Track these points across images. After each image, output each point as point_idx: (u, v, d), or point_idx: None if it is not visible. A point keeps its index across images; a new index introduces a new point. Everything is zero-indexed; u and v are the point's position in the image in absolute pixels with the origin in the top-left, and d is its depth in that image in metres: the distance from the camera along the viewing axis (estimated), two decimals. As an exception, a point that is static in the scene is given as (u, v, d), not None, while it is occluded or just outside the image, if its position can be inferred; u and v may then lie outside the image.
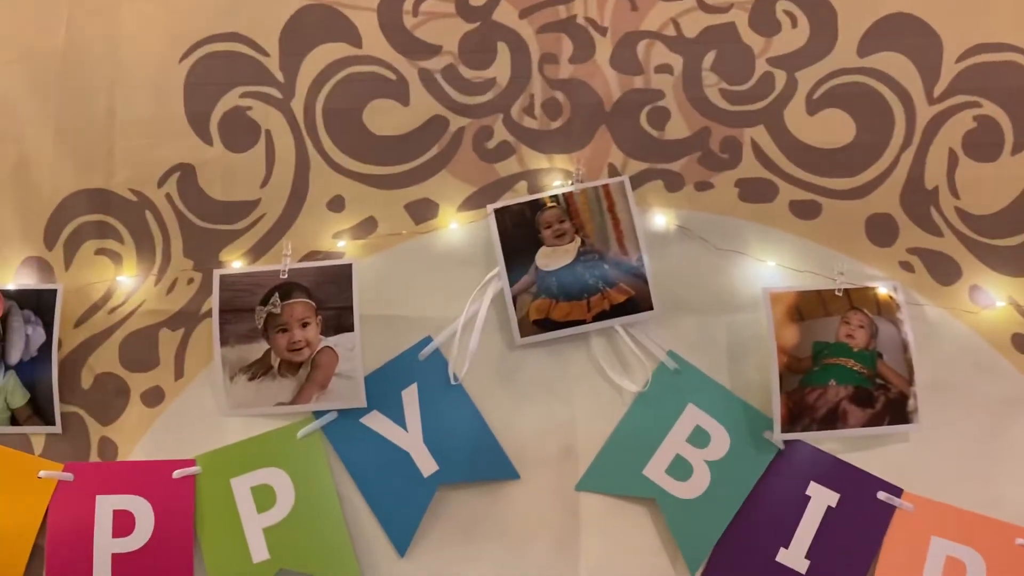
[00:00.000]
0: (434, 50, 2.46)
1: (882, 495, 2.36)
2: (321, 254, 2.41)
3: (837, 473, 2.37)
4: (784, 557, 2.34)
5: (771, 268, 2.41)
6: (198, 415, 2.44)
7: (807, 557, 2.34)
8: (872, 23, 2.44)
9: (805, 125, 2.44)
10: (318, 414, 2.41)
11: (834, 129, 2.44)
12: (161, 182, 2.48)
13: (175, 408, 2.44)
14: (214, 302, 2.40)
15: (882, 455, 2.39)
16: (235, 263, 2.44)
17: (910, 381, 2.33)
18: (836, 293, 2.37)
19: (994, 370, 2.37)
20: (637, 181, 2.46)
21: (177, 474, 2.39)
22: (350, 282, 2.39)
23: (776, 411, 2.33)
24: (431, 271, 2.47)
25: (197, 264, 2.46)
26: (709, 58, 2.45)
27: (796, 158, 2.43)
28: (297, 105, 2.47)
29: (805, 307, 2.35)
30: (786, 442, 2.37)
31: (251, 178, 2.48)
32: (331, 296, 2.38)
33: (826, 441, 2.38)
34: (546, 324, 2.42)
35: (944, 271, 2.40)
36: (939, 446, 2.37)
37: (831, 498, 2.36)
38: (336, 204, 2.45)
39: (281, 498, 2.38)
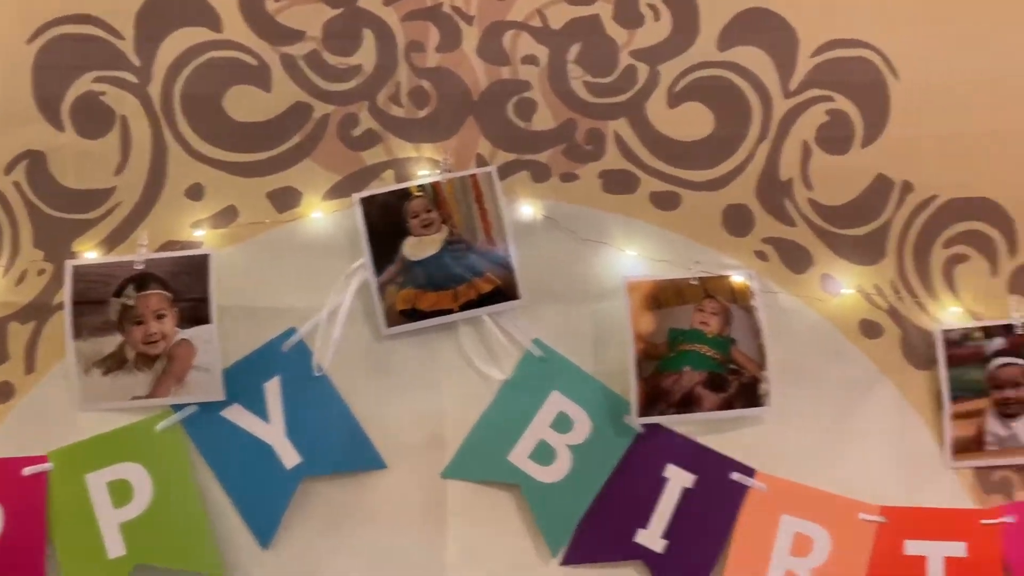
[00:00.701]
0: (297, 35, 1.85)
1: (736, 476, 1.81)
2: (179, 244, 1.82)
3: (693, 455, 1.81)
4: (642, 537, 1.78)
5: (632, 258, 1.82)
6: (51, 410, 1.75)
7: (664, 537, 1.78)
8: (732, 17, 1.86)
9: (666, 118, 1.85)
10: (177, 407, 1.77)
11: (694, 122, 1.85)
12: (8, 169, 1.80)
13: (26, 403, 1.76)
14: (66, 294, 1.75)
15: (737, 437, 1.82)
16: (88, 253, 1.79)
17: (762, 366, 1.80)
18: (692, 282, 1.81)
19: (843, 355, 1.84)
20: (504, 171, 1.83)
21: (28, 471, 1.74)
22: (207, 273, 1.74)
23: (633, 396, 1.78)
24: (295, 261, 1.80)
25: (48, 255, 1.79)
26: (574, 50, 1.87)
27: (657, 150, 1.85)
28: (154, 90, 1.85)
29: (662, 295, 1.80)
30: (645, 426, 1.81)
31: (105, 165, 1.79)
32: (188, 287, 1.75)
33: (683, 424, 1.82)
34: (413, 314, 1.80)
35: (797, 260, 1.84)
36: (791, 428, 1.82)
37: (687, 479, 1.80)
38: (195, 192, 1.82)
39: (139, 493, 1.71)
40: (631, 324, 1.77)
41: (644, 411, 1.76)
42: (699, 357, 1.78)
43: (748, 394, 1.78)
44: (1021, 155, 1.84)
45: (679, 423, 1.78)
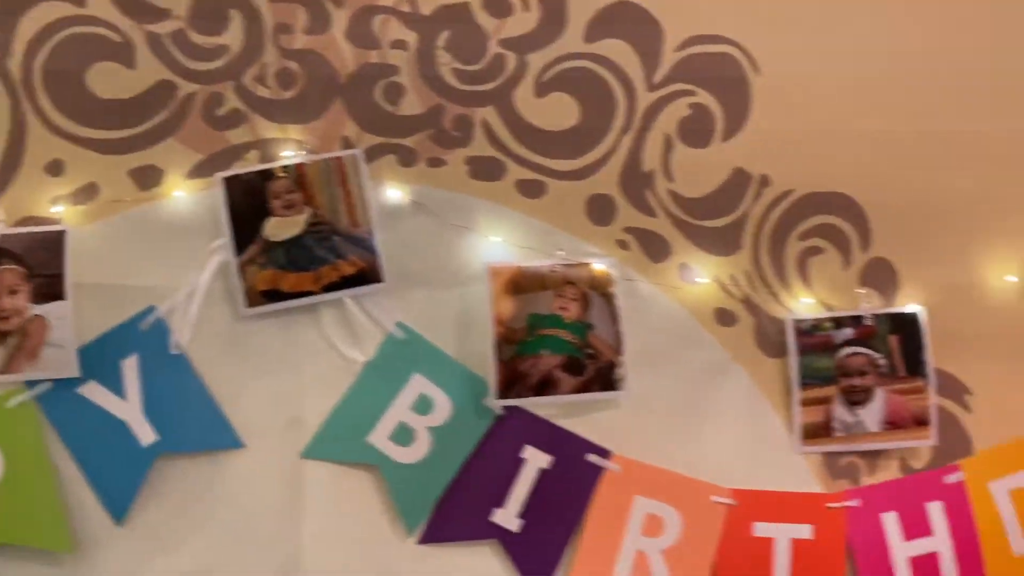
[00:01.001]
0: (163, 14, 1.66)
1: (592, 457, 1.63)
2: (37, 220, 1.43)
3: (551, 437, 1.63)
4: (498, 517, 1.60)
5: (496, 244, 1.62)
6: (-100, 386, 1.68)
7: (520, 516, 1.60)
8: (599, 10, 1.67)
9: (533, 107, 1.65)
10: (31, 384, 1.54)
11: (560, 112, 1.65)
12: None
13: None
14: (-84, 269, 1.38)
15: (595, 420, 1.63)
16: (-60, 228, 1.43)
17: (618, 351, 1.62)
18: (553, 269, 1.62)
19: (698, 342, 1.66)
20: (371, 155, 1.61)
21: None
22: (63, 249, 1.51)
23: (492, 379, 1.60)
24: (156, 240, 1.57)
25: (-102, 228, 1.44)
26: (443, 37, 1.66)
27: (524, 139, 1.64)
28: (14, 65, 1.52)
29: (523, 281, 1.61)
30: (505, 408, 1.62)
31: (-39, 139, 1.70)
32: (43, 263, 1.52)
33: (542, 407, 1.63)
34: (274, 295, 1.58)
35: (657, 249, 1.66)
36: (647, 411, 1.64)
37: (544, 461, 1.61)
38: (55, 168, 1.61)
39: (-11, 470, 1.64)
40: (491, 308, 1.58)
41: (503, 393, 1.59)
42: (557, 341, 1.61)
43: (604, 378, 1.61)
44: (875, 152, 1.70)
45: (537, 406, 1.63)
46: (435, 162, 1.60)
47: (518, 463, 1.58)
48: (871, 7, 1.67)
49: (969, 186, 1.67)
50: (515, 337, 1.57)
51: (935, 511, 1.66)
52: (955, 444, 1.66)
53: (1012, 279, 1.68)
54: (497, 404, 1.56)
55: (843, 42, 1.66)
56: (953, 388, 1.67)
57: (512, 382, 1.57)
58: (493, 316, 1.56)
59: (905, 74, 1.66)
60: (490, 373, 1.56)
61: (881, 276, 1.66)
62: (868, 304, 1.67)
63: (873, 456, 1.66)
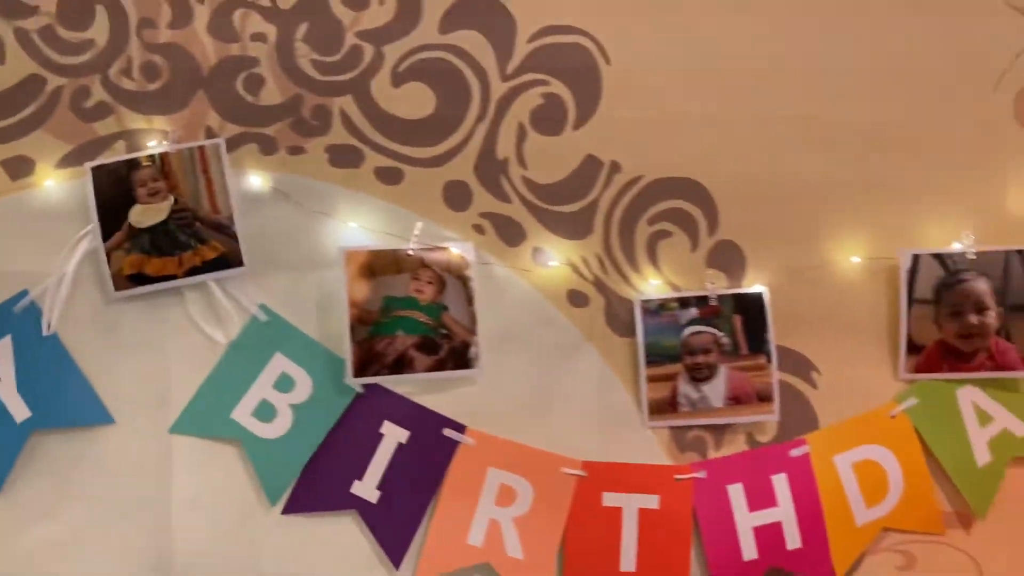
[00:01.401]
0: (31, 10, 1.60)
1: (447, 431, 1.67)
2: None
3: (408, 413, 1.66)
4: (358, 488, 1.65)
5: (354, 229, 1.65)
6: None
7: (378, 488, 1.64)
8: (454, 2, 1.68)
9: (390, 97, 1.67)
10: None
11: (416, 101, 1.67)
12: None
13: None
14: None
15: (453, 397, 1.66)
16: None
17: (472, 331, 1.65)
18: (409, 253, 1.65)
19: (551, 322, 1.68)
20: (233, 144, 1.65)
21: None
22: None
23: (348, 358, 1.63)
24: (28, 228, 1.61)
25: None
26: (302, 29, 1.68)
27: (381, 127, 1.67)
28: None
29: (378, 265, 1.64)
30: (365, 386, 1.66)
31: None
32: None
33: (402, 385, 1.66)
34: (140, 279, 1.62)
35: (511, 234, 1.69)
36: (502, 388, 1.67)
37: (402, 435, 1.65)
38: None
39: None
40: (346, 291, 1.62)
41: (359, 372, 1.63)
42: (412, 322, 1.64)
43: (459, 357, 1.64)
44: (722, 137, 1.71)
45: (395, 383, 1.66)
46: (295, 150, 1.62)
47: (377, 438, 1.62)
48: (714, 1, 1.67)
49: (814, 169, 1.67)
50: (370, 318, 1.61)
51: (780, 483, 1.69)
52: (801, 419, 1.68)
53: (856, 260, 1.72)
54: (353, 382, 1.59)
55: (690, 30, 1.66)
56: (800, 366, 1.69)
57: (368, 361, 1.60)
58: (347, 298, 1.59)
59: (750, 60, 1.66)
60: (346, 353, 1.59)
61: (728, 258, 1.68)
62: (713, 285, 1.73)
63: (720, 430, 1.69)
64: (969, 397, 1.78)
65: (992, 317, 1.71)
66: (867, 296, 1.71)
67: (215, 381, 1.61)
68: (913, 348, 1.73)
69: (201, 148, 1.59)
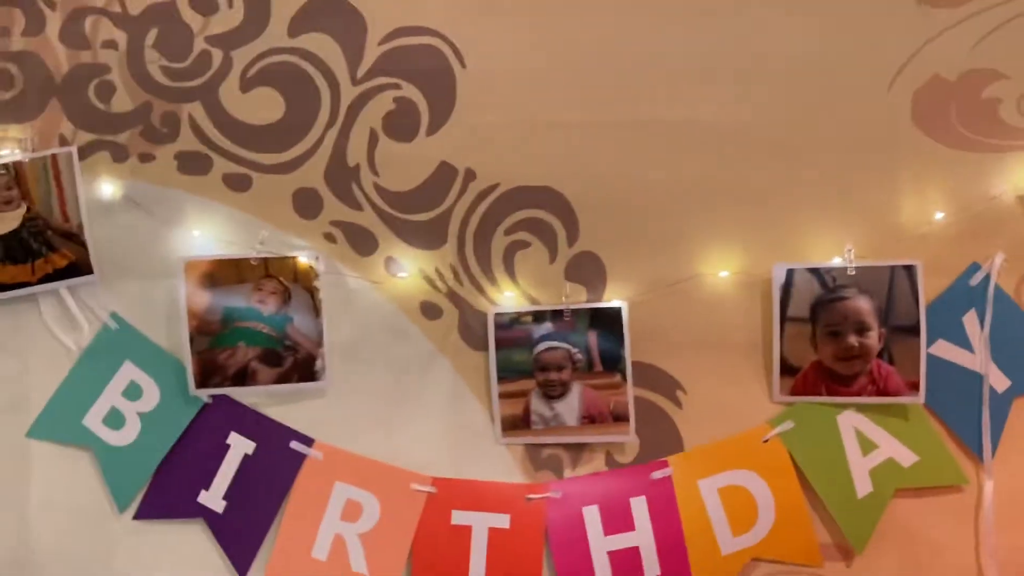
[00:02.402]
0: None
1: (295, 444, 1.54)
2: None
3: (255, 425, 1.55)
4: (204, 498, 1.55)
5: (200, 237, 1.54)
6: None
7: (224, 498, 1.54)
8: (302, 4, 1.54)
9: (239, 102, 1.54)
10: None
11: (265, 107, 1.54)
12: None
13: None
14: None
15: (302, 409, 1.54)
16: None
17: (319, 344, 1.52)
18: (252, 262, 1.52)
19: (404, 334, 1.54)
20: (85, 152, 1.55)
21: None
22: None
23: (189, 369, 1.52)
24: None
25: None
26: (152, 35, 1.56)
27: (230, 133, 1.55)
28: None
29: (220, 275, 1.52)
30: (213, 396, 1.55)
31: None
32: None
33: (251, 396, 1.55)
34: None
35: (363, 243, 1.55)
36: (353, 401, 1.55)
37: (248, 447, 1.55)
38: None
39: None
40: (185, 302, 1.51)
41: (201, 383, 1.50)
42: (254, 334, 1.50)
43: (304, 370, 1.50)
44: (581, 144, 1.51)
45: (244, 395, 1.52)
46: (145, 157, 1.50)
47: (223, 448, 1.50)
48: (568, 4, 1.46)
49: (681, 176, 1.47)
50: (211, 329, 1.48)
51: (639, 506, 1.49)
52: (665, 440, 1.50)
53: (725, 274, 1.50)
54: (196, 394, 1.48)
55: (546, 33, 1.47)
56: (664, 384, 1.49)
57: (210, 373, 1.48)
58: (186, 309, 1.47)
59: (611, 61, 1.47)
60: (187, 364, 1.48)
61: (589, 271, 1.49)
62: (568, 299, 1.54)
63: (577, 449, 1.51)
64: (851, 423, 1.57)
65: (873, 338, 1.46)
66: (738, 312, 1.49)
67: (68, 388, 1.52)
68: (788, 369, 1.53)
69: (54, 156, 1.48)
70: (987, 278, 1.48)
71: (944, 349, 1.50)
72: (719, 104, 1.46)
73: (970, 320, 1.50)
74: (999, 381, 1.50)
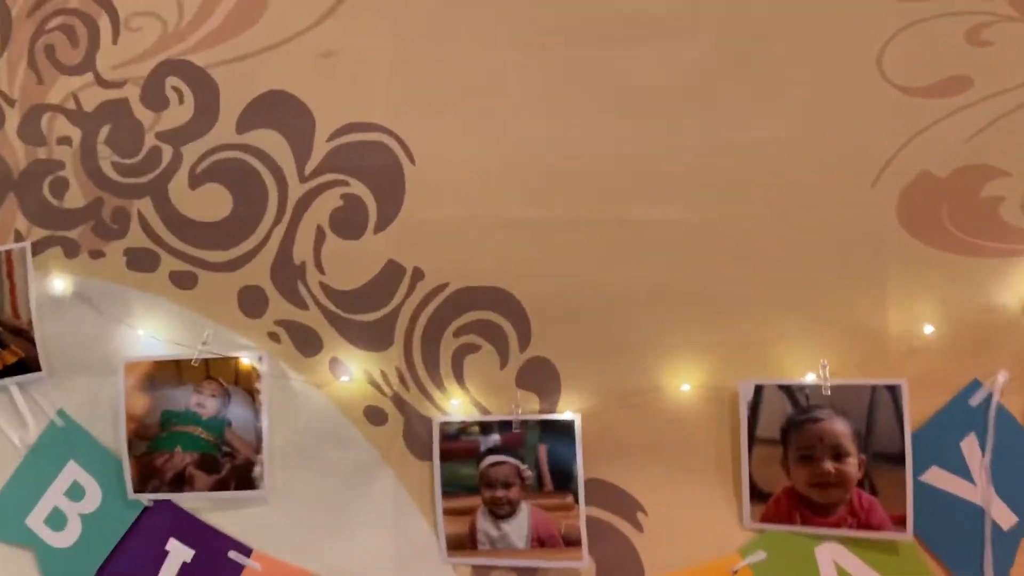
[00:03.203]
0: None
1: (233, 554, 1.41)
2: None
3: (194, 531, 1.42)
4: None
5: (146, 335, 1.43)
6: None
7: None
8: (251, 100, 1.44)
9: (187, 199, 1.45)
10: None
11: (213, 203, 1.44)
12: None
13: None
14: None
15: (242, 516, 1.41)
16: None
17: (258, 449, 1.39)
18: (193, 363, 1.41)
19: (347, 440, 1.39)
20: (38, 247, 1.48)
21: None
22: None
23: (127, 474, 1.41)
24: None
25: None
26: (104, 131, 1.48)
27: (177, 230, 1.45)
28: None
29: (160, 376, 1.41)
30: (155, 500, 1.42)
31: None
32: None
33: (191, 501, 1.42)
34: None
35: (308, 343, 1.41)
36: (294, 511, 1.40)
37: (187, 554, 1.42)
38: None
39: None
40: (124, 404, 1.41)
41: (139, 487, 1.38)
42: (191, 438, 1.37)
43: (242, 476, 1.37)
44: (534, 245, 1.34)
45: (184, 500, 1.39)
46: (96, 254, 1.41)
47: (162, 555, 1.37)
48: (524, 96, 1.32)
49: (642, 279, 1.29)
50: (148, 432, 1.37)
51: None
52: (625, 566, 1.29)
53: (686, 388, 1.31)
54: (134, 498, 1.36)
55: (497, 129, 1.33)
56: (624, 504, 1.30)
57: (147, 477, 1.37)
58: (125, 412, 1.36)
59: (565, 159, 1.30)
60: (125, 468, 1.37)
61: (541, 378, 1.31)
62: (519, 409, 1.40)
63: (528, 573, 1.31)
64: (830, 556, 1.34)
65: (852, 465, 1.24)
66: (703, 428, 1.28)
67: (12, 487, 1.41)
68: (759, 494, 1.35)
69: (8, 252, 1.41)
70: (989, 398, 1.27)
71: (939, 477, 1.29)
72: (683, 201, 1.28)
73: (969, 445, 1.29)
74: (1003, 516, 1.28)
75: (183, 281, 1.42)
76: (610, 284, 1.32)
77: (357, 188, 1.39)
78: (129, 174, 1.44)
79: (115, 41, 1.43)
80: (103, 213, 1.44)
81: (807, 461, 1.25)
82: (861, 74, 1.26)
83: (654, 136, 1.31)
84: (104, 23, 1.45)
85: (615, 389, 1.32)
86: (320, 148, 1.39)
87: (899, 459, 1.21)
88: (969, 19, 1.25)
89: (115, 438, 1.42)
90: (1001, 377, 1.24)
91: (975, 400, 1.26)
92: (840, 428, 1.23)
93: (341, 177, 1.39)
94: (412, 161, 1.37)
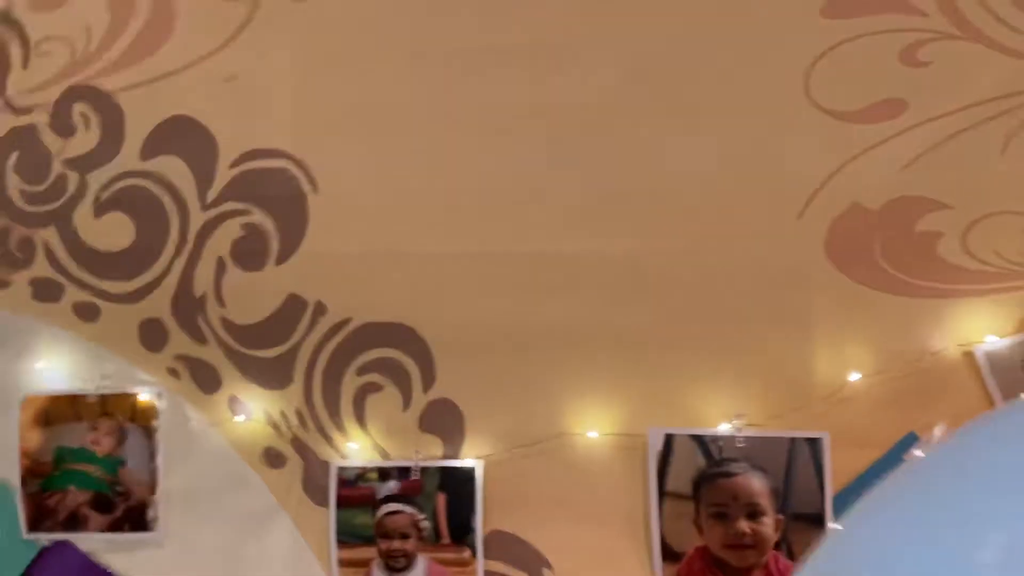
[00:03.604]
0: None
1: None
2: None
3: (90, 573, 1.32)
4: None
5: (46, 369, 1.35)
6: None
7: None
8: (156, 125, 1.35)
9: (91, 227, 1.36)
10: None
11: (116, 232, 1.36)
12: None
13: None
14: None
15: (139, 558, 1.31)
16: None
17: (152, 490, 1.31)
18: (89, 399, 1.33)
19: (244, 483, 1.30)
20: None
21: None
22: None
23: (20, 513, 1.32)
24: None
25: None
26: (13, 158, 1.40)
27: (82, 260, 1.37)
28: None
29: (55, 412, 1.33)
30: (55, 541, 1.34)
31: None
32: None
33: (88, 542, 1.32)
34: None
35: (207, 380, 1.33)
36: (189, 555, 1.31)
37: None
38: None
39: None
40: (18, 441, 1.36)
41: (32, 527, 1.31)
42: (85, 477, 1.30)
43: (136, 517, 1.30)
44: (440, 279, 1.26)
45: (82, 540, 1.35)
46: (1, 284, 1.33)
47: None
48: (432, 125, 1.23)
49: (552, 317, 1.18)
50: (42, 470, 1.29)
51: None
52: None
53: (593, 435, 1.20)
54: (29, 537, 1.28)
55: (405, 158, 1.24)
56: (528, 559, 1.18)
57: (41, 516, 1.29)
58: (19, 448, 1.28)
59: (475, 190, 1.21)
60: (20, 507, 1.29)
61: (445, 421, 1.22)
62: (420, 455, 1.28)
63: None
64: None
65: (768, 525, 1.12)
66: (614, 479, 1.16)
67: None
68: (670, 553, 1.24)
69: None
70: (927, 452, 1.15)
71: (870, 540, 1.16)
72: (598, 235, 1.18)
73: (904, 505, 1.16)
74: (942, 586, 1.15)
75: (85, 313, 1.36)
76: (519, 322, 1.22)
77: (259, 217, 1.31)
78: (36, 202, 1.38)
79: (25, 66, 1.39)
80: (10, 242, 1.39)
81: (721, 519, 1.13)
82: (786, 98, 1.15)
83: (568, 167, 1.22)
84: (15, 47, 1.41)
85: (521, 434, 1.22)
86: (223, 175, 1.32)
87: (820, 520, 1.09)
88: (904, 37, 1.14)
89: (10, 475, 1.38)
90: (938, 431, 1.11)
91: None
92: (756, 485, 1.11)
93: (243, 206, 1.31)
94: (315, 189, 1.29)
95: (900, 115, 1.13)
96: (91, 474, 1.32)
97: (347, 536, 1.24)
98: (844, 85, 1.14)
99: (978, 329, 1.09)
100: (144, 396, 1.32)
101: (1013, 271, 1.07)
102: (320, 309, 1.29)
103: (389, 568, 1.23)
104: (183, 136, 1.33)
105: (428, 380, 1.26)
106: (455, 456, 1.23)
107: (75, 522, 1.32)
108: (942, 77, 1.13)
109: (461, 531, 1.20)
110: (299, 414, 1.29)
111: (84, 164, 1.37)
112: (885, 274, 1.13)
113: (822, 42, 1.16)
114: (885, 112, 1.13)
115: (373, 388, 1.28)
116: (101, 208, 1.36)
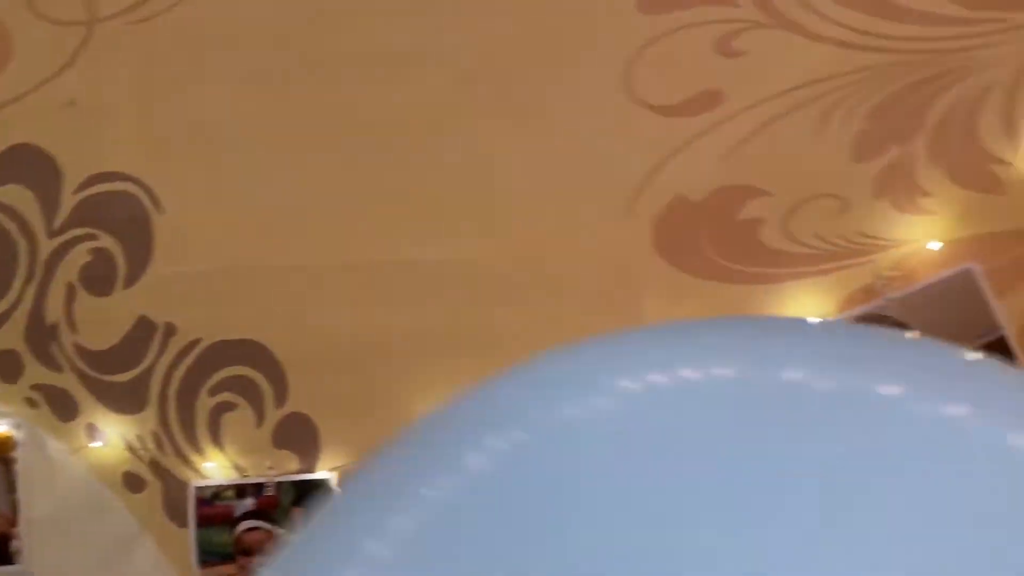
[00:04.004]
0: None
1: None
2: None
3: None
4: None
5: None
6: None
7: None
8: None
9: None
10: None
11: None
12: None
13: None
14: None
15: None
16: None
17: (14, 522, 1.28)
18: None
19: (107, 509, 1.29)
20: None
21: None
22: None
23: None
24: None
25: None
26: None
27: None
28: None
29: None
30: None
31: None
32: None
33: None
34: None
35: (64, 408, 1.31)
36: None
37: None
38: None
39: None
40: None
41: None
42: None
43: (1, 551, 1.33)
44: (288, 293, 1.26)
45: None
46: None
47: None
48: (272, 139, 1.21)
49: (404, 327, 1.18)
50: None
51: None
52: None
53: None
54: None
55: (247, 174, 1.22)
56: None
57: None
58: None
59: (320, 201, 1.20)
60: None
61: (299, 435, 1.22)
62: (274, 471, 1.31)
63: None
64: None
65: None
66: None
67: None
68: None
69: None
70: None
71: None
72: (438, 241, 1.17)
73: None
74: None
75: (-61, 348, 1.35)
76: (369, 332, 1.22)
77: (106, 241, 1.30)
78: None
79: None
80: None
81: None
82: (608, 96, 1.16)
83: (406, 174, 1.21)
84: None
85: (378, 443, 1.21)
86: (68, 201, 1.30)
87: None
88: (717, 28, 1.15)
89: None
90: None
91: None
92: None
93: (90, 231, 1.30)
94: (160, 210, 1.28)
95: (718, 106, 1.14)
96: (-50, 510, 1.30)
97: (208, 555, 1.23)
98: (663, 79, 1.15)
99: (804, 310, 1.10)
100: (2, 428, 1.30)
101: (834, 252, 1.08)
102: (170, 330, 1.28)
103: (250, 585, 1.23)
104: (27, 164, 1.31)
105: (281, 396, 1.25)
106: (310, 470, 1.23)
107: (-62, 559, 1.30)
108: (757, 65, 1.14)
109: (317, 543, 1.19)
110: (156, 437, 1.28)
111: (-70, 198, 1.35)
112: (713, 263, 1.14)
113: (640, 38, 1.17)
114: (704, 104, 1.14)
115: (227, 407, 1.27)
116: (-51, 241, 1.34)
